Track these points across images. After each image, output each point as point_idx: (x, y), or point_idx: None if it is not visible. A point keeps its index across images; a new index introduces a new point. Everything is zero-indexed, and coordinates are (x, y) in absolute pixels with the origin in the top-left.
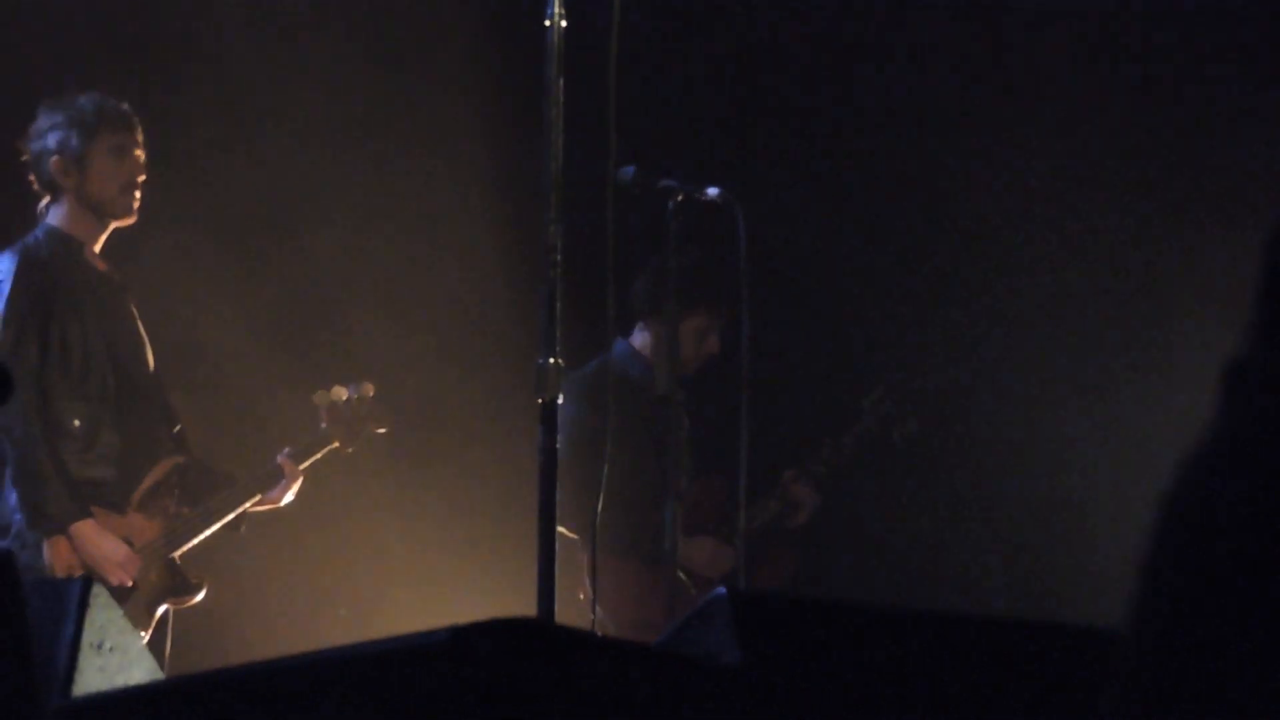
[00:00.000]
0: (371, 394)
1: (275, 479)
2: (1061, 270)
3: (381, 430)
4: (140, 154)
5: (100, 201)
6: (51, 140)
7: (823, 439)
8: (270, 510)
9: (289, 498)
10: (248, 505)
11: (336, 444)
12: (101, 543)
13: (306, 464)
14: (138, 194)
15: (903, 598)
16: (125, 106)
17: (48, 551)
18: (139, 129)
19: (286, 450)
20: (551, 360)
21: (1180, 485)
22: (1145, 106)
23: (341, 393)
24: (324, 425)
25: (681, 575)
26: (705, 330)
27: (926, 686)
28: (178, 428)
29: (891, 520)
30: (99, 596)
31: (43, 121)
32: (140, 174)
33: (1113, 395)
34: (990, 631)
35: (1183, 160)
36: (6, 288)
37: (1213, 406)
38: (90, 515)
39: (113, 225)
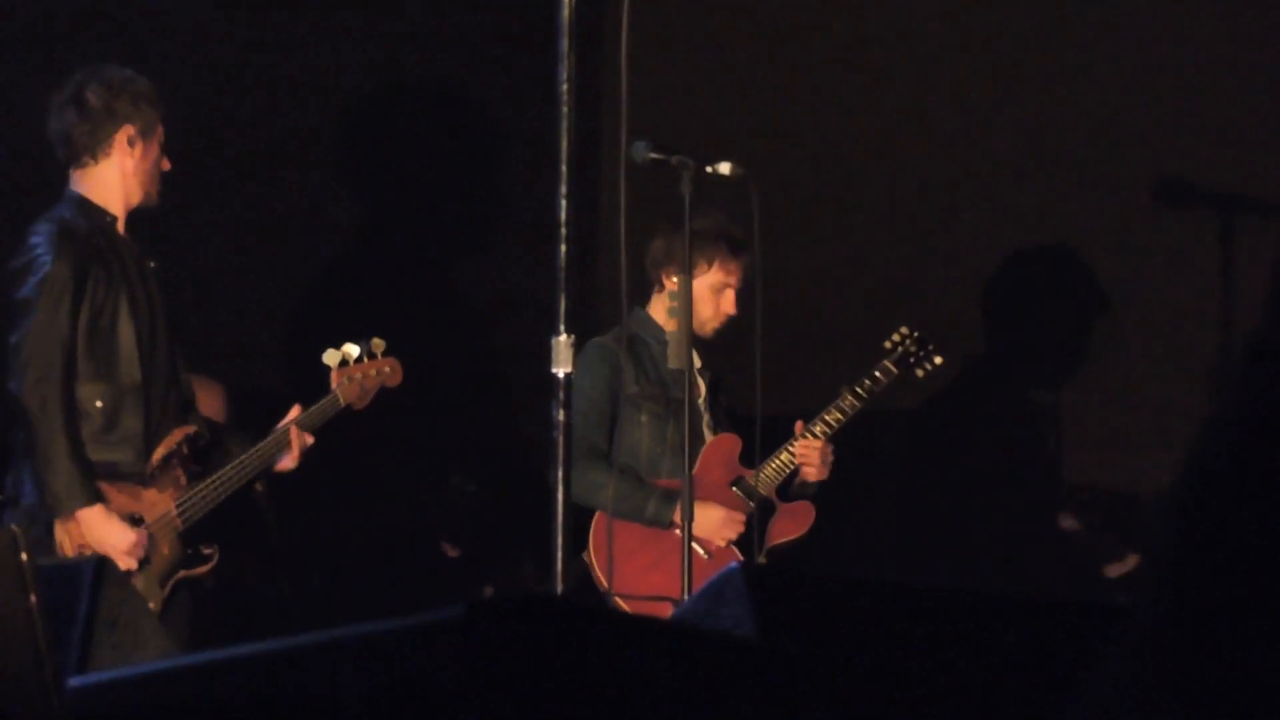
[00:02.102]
0: (381, 349)
1: (283, 445)
2: (1077, 244)
3: (393, 385)
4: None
5: (146, 181)
6: (122, 108)
7: (840, 387)
8: (283, 480)
9: (297, 462)
10: (258, 472)
11: (349, 401)
12: (109, 529)
13: (318, 426)
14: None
15: (918, 568)
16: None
17: (59, 531)
18: None
19: (294, 416)
20: (563, 334)
21: (1199, 458)
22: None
23: (352, 350)
24: (334, 386)
25: (693, 542)
26: (720, 287)
27: (939, 661)
28: (188, 397)
29: (909, 489)
30: (112, 575)
31: (96, 85)
32: (166, 165)
33: (1128, 369)
34: (1004, 608)
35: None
36: (47, 260)
37: (1233, 379)
38: (101, 499)
39: (134, 205)
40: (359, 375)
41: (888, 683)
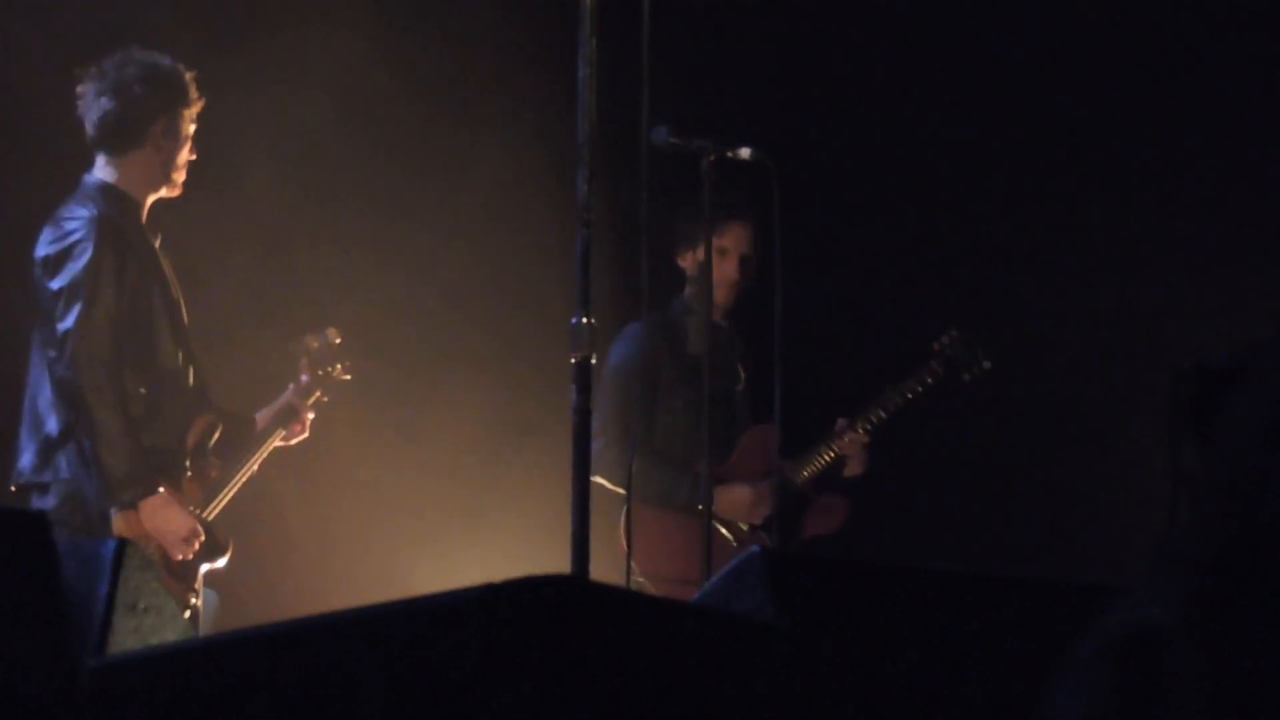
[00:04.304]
0: (338, 340)
1: (292, 416)
2: (1097, 224)
3: (346, 377)
4: None
5: (175, 169)
6: (150, 95)
7: (885, 385)
8: (300, 468)
9: (305, 433)
10: (265, 452)
11: (317, 391)
12: (170, 516)
13: (310, 403)
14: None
15: (952, 555)
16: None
17: (118, 522)
18: None
19: (292, 387)
20: (585, 319)
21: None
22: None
23: (314, 339)
24: (304, 376)
25: (720, 527)
26: (719, 253)
27: (959, 646)
28: (205, 385)
29: (945, 477)
30: (133, 557)
31: (132, 70)
32: (193, 154)
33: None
34: (1025, 592)
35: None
36: (91, 244)
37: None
38: (159, 488)
39: (159, 194)
40: (322, 363)
41: (907, 666)
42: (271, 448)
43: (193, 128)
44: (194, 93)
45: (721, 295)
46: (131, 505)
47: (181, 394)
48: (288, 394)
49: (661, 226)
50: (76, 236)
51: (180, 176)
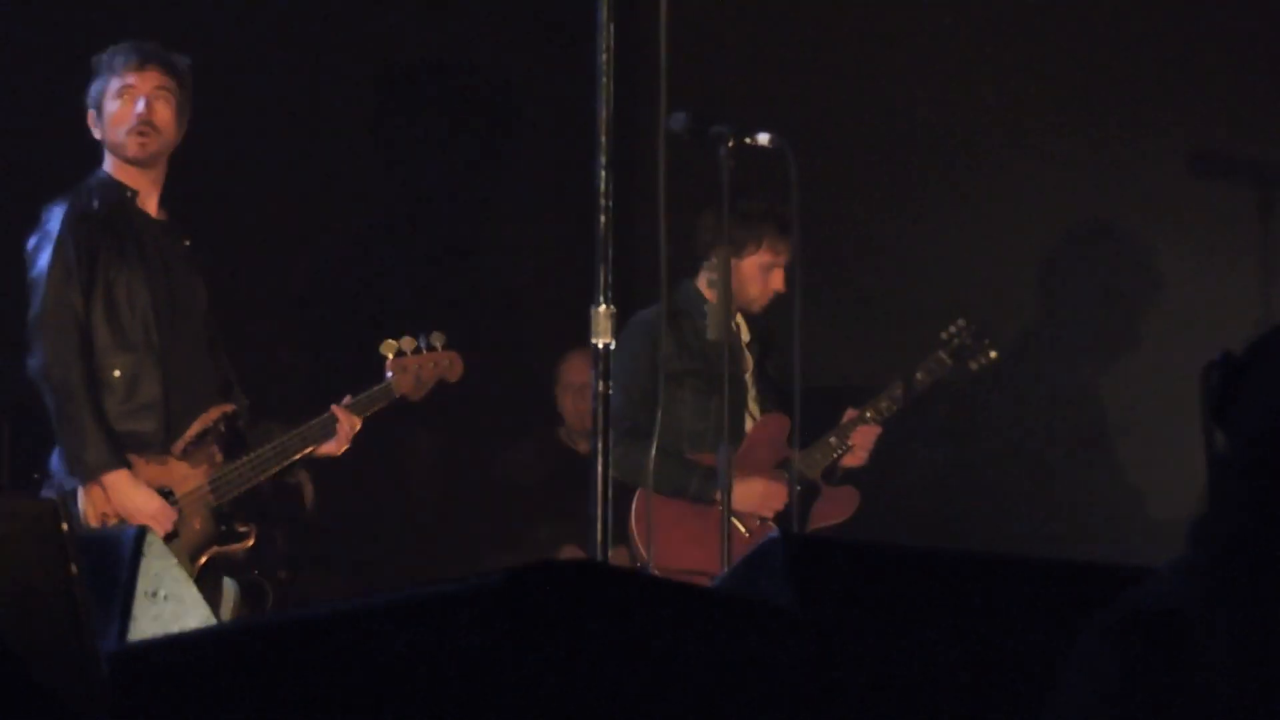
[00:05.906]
0: (442, 342)
1: (330, 428)
2: (1115, 217)
3: (452, 379)
4: (153, 93)
5: (113, 145)
6: (89, 94)
7: (894, 376)
8: (329, 459)
9: (344, 447)
10: (301, 454)
11: (404, 392)
12: (135, 495)
13: (368, 413)
14: (144, 134)
15: (960, 540)
16: (148, 46)
17: (82, 499)
18: (159, 68)
19: (346, 400)
20: (604, 306)
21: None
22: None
23: (410, 342)
24: (390, 374)
25: (733, 518)
26: (769, 266)
27: (979, 628)
28: (227, 376)
29: (953, 463)
30: (153, 545)
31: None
32: (144, 114)
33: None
34: (1043, 573)
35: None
36: (54, 236)
37: None
38: (126, 465)
39: (136, 165)
40: (414, 366)
41: (928, 651)
42: (297, 458)
43: (146, 92)
44: (135, 61)
45: (760, 306)
46: (94, 479)
47: (166, 378)
48: (335, 408)
49: (711, 219)
50: (46, 229)
51: (127, 139)
